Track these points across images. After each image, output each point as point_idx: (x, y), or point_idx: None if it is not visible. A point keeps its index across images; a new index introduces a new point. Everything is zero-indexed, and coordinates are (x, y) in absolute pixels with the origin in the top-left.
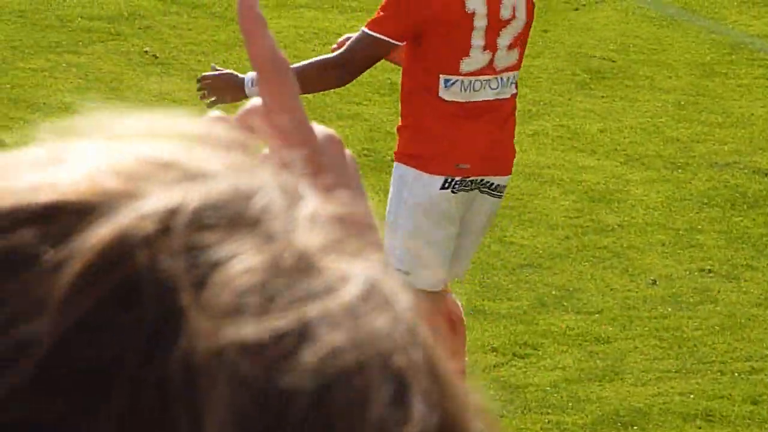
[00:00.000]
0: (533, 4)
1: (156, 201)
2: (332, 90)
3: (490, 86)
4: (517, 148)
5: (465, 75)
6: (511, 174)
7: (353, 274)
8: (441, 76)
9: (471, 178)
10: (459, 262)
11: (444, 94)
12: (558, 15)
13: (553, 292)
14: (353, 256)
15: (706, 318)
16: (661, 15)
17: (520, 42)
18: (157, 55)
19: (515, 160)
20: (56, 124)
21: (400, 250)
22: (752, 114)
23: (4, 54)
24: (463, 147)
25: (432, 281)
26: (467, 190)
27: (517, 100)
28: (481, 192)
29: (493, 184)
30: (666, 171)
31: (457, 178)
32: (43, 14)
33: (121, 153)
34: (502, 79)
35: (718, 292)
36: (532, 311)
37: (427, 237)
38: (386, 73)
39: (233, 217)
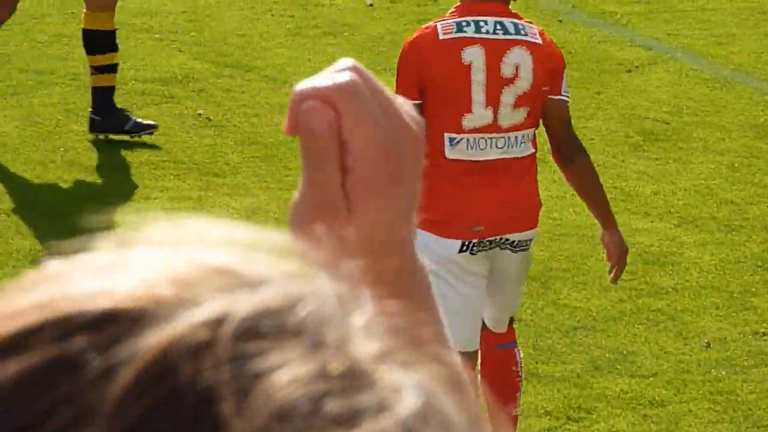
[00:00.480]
0: (548, 66)
1: (207, 309)
2: None
3: (496, 145)
4: (570, 210)
5: (469, 132)
6: (534, 228)
7: (408, 387)
8: (445, 134)
9: (488, 239)
10: (503, 311)
11: (450, 153)
12: (611, 77)
13: (607, 355)
14: (408, 368)
15: (761, 381)
16: (715, 76)
17: (527, 102)
18: (211, 117)
19: (570, 222)
20: (118, 233)
21: None
22: None
23: (57, 117)
24: (475, 209)
25: (461, 340)
26: (486, 250)
27: (533, 157)
28: (502, 249)
29: (514, 241)
30: (720, 233)
31: (474, 241)
32: None
33: (178, 260)
34: (509, 138)
35: None
36: (586, 374)
37: (454, 294)
38: None
39: (283, 325)
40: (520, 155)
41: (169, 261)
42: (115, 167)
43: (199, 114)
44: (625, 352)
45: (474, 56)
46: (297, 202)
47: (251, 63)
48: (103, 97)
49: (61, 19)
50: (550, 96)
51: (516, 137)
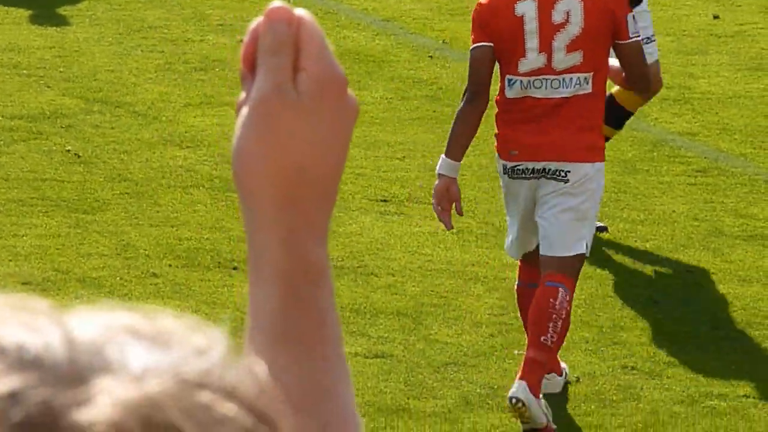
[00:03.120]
0: (602, 12)
1: None
2: None
3: (551, 85)
4: (442, 246)
5: (523, 75)
6: (576, 161)
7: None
8: (506, 76)
9: (524, 166)
10: (549, 241)
11: (508, 92)
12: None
13: (478, 390)
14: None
15: (630, 415)
16: None
17: (581, 46)
18: (80, 154)
19: (441, 258)
20: None
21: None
22: (674, 211)
23: None
24: (516, 136)
25: (509, 249)
26: (524, 178)
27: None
28: (538, 178)
29: (548, 169)
30: (589, 268)
31: (509, 165)
32: None
33: None
34: (564, 79)
35: (641, 389)
36: (457, 410)
37: (507, 208)
38: None
39: None
40: (571, 94)
41: None
42: None
43: (68, 150)
44: (495, 386)
45: (526, 8)
46: (250, 87)
47: (121, 99)
48: None
49: None
50: (617, 41)
51: (571, 78)
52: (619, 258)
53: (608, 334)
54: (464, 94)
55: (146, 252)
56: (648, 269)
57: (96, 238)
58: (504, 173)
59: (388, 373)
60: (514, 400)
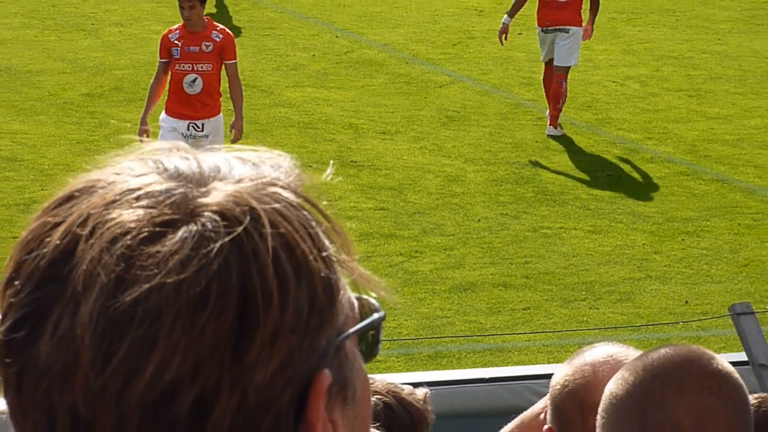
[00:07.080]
0: None
1: None
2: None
3: None
4: (410, 154)
5: None
6: (573, 26)
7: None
8: None
9: (552, 28)
10: (559, 58)
11: None
12: (429, 91)
13: (431, 227)
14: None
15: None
16: (482, 90)
17: None
18: None
19: (411, 160)
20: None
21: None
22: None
23: None
24: (548, 16)
25: (543, 58)
26: (550, 32)
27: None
28: (559, 32)
29: (561, 28)
30: (485, 165)
31: (544, 28)
32: None
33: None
34: None
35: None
36: (420, 235)
37: (542, 46)
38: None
39: None
40: None
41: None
42: None
43: None
44: (438, 224)
45: None
46: None
47: None
48: None
49: None
50: None
51: None
52: (500, 160)
53: (494, 198)
54: None
55: None
56: (515, 166)
57: None
58: (541, 31)
59: (385, 218)
60: (549, 135)
